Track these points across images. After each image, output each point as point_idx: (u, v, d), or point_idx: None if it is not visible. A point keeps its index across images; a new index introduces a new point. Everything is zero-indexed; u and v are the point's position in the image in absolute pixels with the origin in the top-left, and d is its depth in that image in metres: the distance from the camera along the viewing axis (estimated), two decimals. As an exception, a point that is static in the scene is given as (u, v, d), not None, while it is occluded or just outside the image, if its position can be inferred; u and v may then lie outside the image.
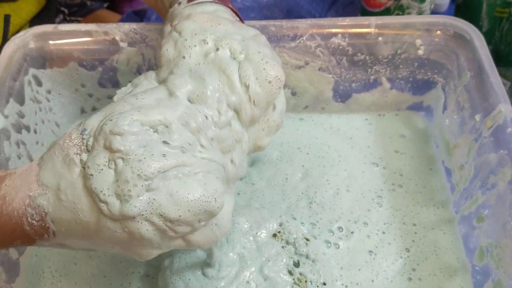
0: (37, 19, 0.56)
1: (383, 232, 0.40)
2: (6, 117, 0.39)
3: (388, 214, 0.41)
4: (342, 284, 0.37)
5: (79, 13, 0.65)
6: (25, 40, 0.42)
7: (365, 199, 0.42)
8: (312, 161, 0.45)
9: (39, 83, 0.44)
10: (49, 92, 0.45)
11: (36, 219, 0.25)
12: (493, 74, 0.39)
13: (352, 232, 0.40)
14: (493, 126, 0.38)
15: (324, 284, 0.36)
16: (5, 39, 0.51)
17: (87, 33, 0.43)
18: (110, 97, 0.47)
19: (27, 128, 0.42)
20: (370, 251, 0.39)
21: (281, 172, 0.44)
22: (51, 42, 0.43)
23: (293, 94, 0.47)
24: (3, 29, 0.50)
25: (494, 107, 0.38)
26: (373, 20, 0.43)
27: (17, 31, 0.53)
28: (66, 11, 0.65)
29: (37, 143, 0.43)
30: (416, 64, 0.45)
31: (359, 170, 0.44)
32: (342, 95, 0.47)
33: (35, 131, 0.43)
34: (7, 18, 0.51)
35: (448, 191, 0.43)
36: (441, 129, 0.45)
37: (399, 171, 0.44)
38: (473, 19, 0.47)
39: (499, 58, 0.48)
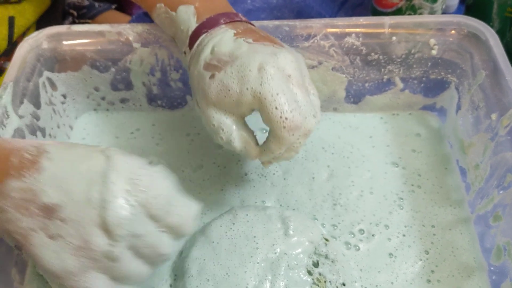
0: (43, 21, 0.56)
1: (403, 235, 0.40)
2: (20, 117, 0.38)
3: (408, 217, 0.41)
4: (362, 286, 0.37)
5: (88, 15, 0.65)
6: (38, 40, 0.42)
7: (387, 201, 0.42)
8: (337, 161, 0.45)
9: (54, 87, 0.44)
10: (64, 96, 0.46)
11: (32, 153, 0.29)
12: (509, 72, 0.39)
13: (373, 235, 0.40)
14: (509, 125, 0.37)
15: (344, 284, 0.35)
16: (11, 41, 0.50)
17: (100, 34, 0.43)
18: (123, 101, 0.47)
19: (42, 131, 0.42)
20: (390, 254, 0.39)
21: (307, 171, 0.44)
22: (64, 42, 0.43)
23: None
24: (8, 31, 0.50)
25: (511, 106, 0.37)
26: (387, 19, 0.43)
27: (23, 33, 0.53)
28: (75, 13, 0.65)
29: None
30: (429, 63, 0.45)
31: (381, 171, 0.44)
32: (354, 96, 0.47)
33: (50, 135, 0.43)
34: (11, 20, 0.50)
35: (463, 190, 0.43)
36: (455, 128, 0.45)
37: (417, 171, 0.44)
38: (484, 19, 0.47)
39: (510, 58, 0.48)
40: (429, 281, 0.38)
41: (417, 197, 0.43)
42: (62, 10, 0.62)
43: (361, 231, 0.40)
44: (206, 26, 0.35)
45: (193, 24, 0.35)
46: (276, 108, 0.31)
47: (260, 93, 0.31)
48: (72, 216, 0.28)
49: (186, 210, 0.31)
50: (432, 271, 0.38)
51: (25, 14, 0.52)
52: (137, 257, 0.30)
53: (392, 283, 0.37)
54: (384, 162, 0.45)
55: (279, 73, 0.32)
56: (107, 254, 0.28)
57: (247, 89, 0.31)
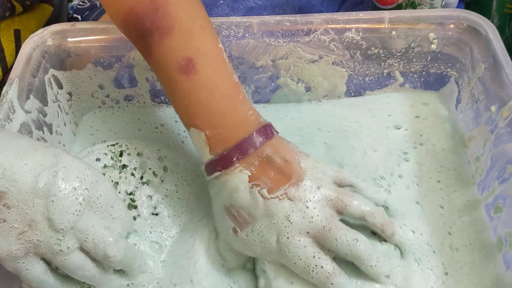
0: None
1: (417, 184, 0.42)
2: (27, 112, 0.39)
3: (415, 169, 0.43)
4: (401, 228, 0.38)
5: (91, 16, 0.66)
6: (43, 37, 0.43)
7: (393, 156, 0.43)
8: (333, 136, 0.45)
9: (60, 85, 0.45)
10: (69, 94, 0.46)
11: None
12: (508, 65, 0.39)
13: (394, 183, 0.41)
14: (509, 117, 0.38)
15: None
16: (5, 70, 0.50)
17: (104, 31, 0.44)
18: (127, 98, 0.48)
19: (49, 127, 0.42)
20: (417, 202, 0.40)
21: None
22: (69, 39, 0.44)
23: (308, 89, 0.47)
24: (15, 46, 0.50)
25: (510, 97, 0.38)
26: (386, 14, 0.43)
27: None
28: (79, 17, 0.66)
29: (59, 142, 0.44)
30: (429, 57, 0.45)
31: (383, 133, 0.45)
32: (355, 91, 0.48)
33: (56, 132, 0.43)
34: (17, 33, 0.50)
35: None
36: (455, 123, 0.45)
37: (419, 132, 0.45)
38: (483, 15, 0.48)
39: (510, 54, 0.48)
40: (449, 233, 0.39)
41: (419, 152, 0.44)
42: (67, 17, 0.62)
43: (382, 177, 0.42)
44: (219, 164, 0.33)
45: (207, 155, 0.34)
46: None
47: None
48: (17, 203, 0.30)
49: (125, 212, 0.34)
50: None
51: (29, 25, 0.52)
52: (83, 253, 0.32)
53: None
54: (385, 127, 0.46)
55: (294, 240, 0.32)
56: (49, 242, 0.30)
57: (268, 255, 0.33)
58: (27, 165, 0.30)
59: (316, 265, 0.32)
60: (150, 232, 0.38)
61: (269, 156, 0.33)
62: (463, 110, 0.44)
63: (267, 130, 0.34)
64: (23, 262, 0.30)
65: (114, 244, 0.32)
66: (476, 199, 0.40)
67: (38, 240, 0.30)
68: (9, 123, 0.37)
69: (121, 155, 0.41)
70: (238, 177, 0.33)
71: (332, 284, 0.32)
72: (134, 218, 0.38)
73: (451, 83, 0.46)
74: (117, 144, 0.42)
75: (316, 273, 0.32)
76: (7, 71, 0.50)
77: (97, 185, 0.33)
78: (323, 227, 0.32)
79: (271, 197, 0.32)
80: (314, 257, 0.32)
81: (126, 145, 0.41)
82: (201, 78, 0.33)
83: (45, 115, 0.42)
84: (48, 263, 0.32)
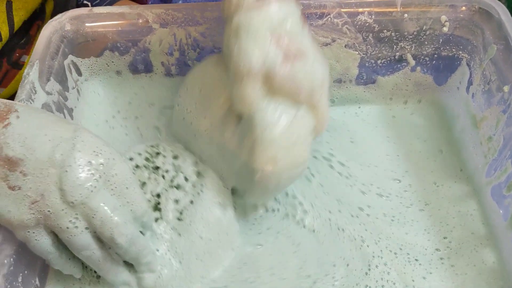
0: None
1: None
2: (48, 93, 0.40)
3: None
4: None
5: (102, 3, 0.67)
6: (61, 22, 0.44)
7: None
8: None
9: (79, 72, 0.46)
10: (86, 80, 0.47)
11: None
12: (521, 45, 0.40)
13: None
14: (522, 96, 0.38)
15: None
16: (12, 26, 0.49)
17: (121, 15, 0.45)
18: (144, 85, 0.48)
19: (70, 111, 0.44)
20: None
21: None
22: (87, 24, 0.44)
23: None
24: (6, 15, 0.49)
25: (523, 76, 0.38)
26: (399, -4, 0.44)
27: (28, 19, 0.52)
28: (89, 3, 0.67)
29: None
30: (441, 40, 0.46)
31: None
32: (367, 74, 0.48)
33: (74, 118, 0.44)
34: (9, 5, 0.49)
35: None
36: (467, 104, 0.46)
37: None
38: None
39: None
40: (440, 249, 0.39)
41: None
42: (76, 3, 0.63)
43: None
44: None
45: None
46: None
47: None
48: (33, 171, 0.30)
49: (140, 198, 0.34)
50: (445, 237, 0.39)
51: None
52: (90, 233, 0.32)
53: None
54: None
55: None
56: (59, 215, 0.30)
57: None
58: (47, 135, 0.31)
59: None
60: (171, 237, 0.37)
61: None
62: (475, 92, 0.45)
63: None
64: (33, 232, 0.31)
65: (122, 226, 0.32)
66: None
67: (49, 211, 0.30)
68: (31, 103, 0.38)
69: (156, 156, 0.40)
70: None
71: None
72: (156, 220, 0.37)
73: (463, 66, 0.46)
74: (156, 145, 0.41)
75: None
76: (1, 38, 0.49)
77: (114, 163, 0.32)
78: None
79: None
80: None
81: (164, 147, 0.40)
82: None
83: (66, 99, 0.43)
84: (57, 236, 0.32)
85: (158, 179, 0.38)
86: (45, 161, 0.30)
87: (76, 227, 0.31)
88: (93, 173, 0.31)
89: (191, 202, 0.38)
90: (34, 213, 0.30)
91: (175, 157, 0.40)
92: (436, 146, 0.46)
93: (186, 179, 0.39)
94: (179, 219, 0.38)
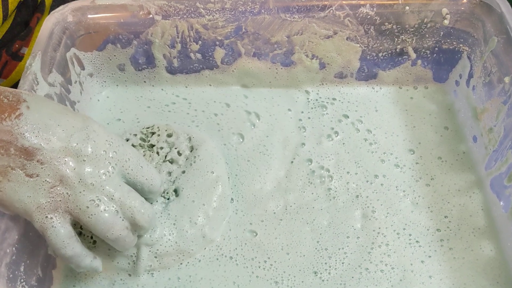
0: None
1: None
2: (50, 85, 0.40)
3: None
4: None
5: None
6: (64, 14, 0.44)
7: None
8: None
9: (82, 66, 0.46)
10: (90, 75, 0.48)
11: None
12: (522, 37, 0.40)
13: None
14: (523, 86, 0.39)
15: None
16: (6, 12, 0.48)
17: (123, 7, 0.45)
18: (146, 78, 0.49)
19: (72, 104, 0.44)
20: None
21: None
22: (89, 16, 0.44)
23: (322, 66, 0.48)
24: (1, 3, 0.48)
25: (524, 67, 0.38)
26: (400, -11, 0.44)
27: (28, 11, 0.51)
28: None
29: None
30: (442, 33, 0.46)
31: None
32: (368, 68, 0.48)
33: (78, 110, 0.45)
34: None
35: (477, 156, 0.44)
36: (467, 97, 0.46)
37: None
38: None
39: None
40: (442, 240, 0.39)
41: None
42: None
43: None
44: None
45: None
46: None
47: None
48: (50, 159, 0.31)
49: (152, 168, 0.36)
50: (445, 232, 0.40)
51: None
52: (108, 213, 0.32)
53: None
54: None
55: None
56: (78, 197, 0.31)
57: None
58: (60, 126, 0.32)
59: None
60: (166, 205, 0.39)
61: None
62: (475, 84, 0.45)
63: None
64: (51, 218, 0.31)
65: (141, 205, 0.34)
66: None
67: (67, 193, 0.31)
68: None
69: (151, 136, 0.42)
70: None
71: None
72: None
73: (464, 59, 0.47)
74: (151, 126, 0.43)
75: None
76: None
77: (124, 149, 0.34)
78: None
79: None
80: None
81: (158, 127, 0.43)
82: None
83: (68, 91, 0.43)
84: (75, 231, 0.33)
85: (153, 155, 0.41)
86: (61, 150, 0.31)
87: (97, 205, 0.32)
88: (110, 162, 0.33)
89: (183, 172, 0.40)
90: (53, 197, 0.31)
91: (169, 135, 0.42)
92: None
93: (179, 153, 0.41)
94: (173, 191, 0.40)
